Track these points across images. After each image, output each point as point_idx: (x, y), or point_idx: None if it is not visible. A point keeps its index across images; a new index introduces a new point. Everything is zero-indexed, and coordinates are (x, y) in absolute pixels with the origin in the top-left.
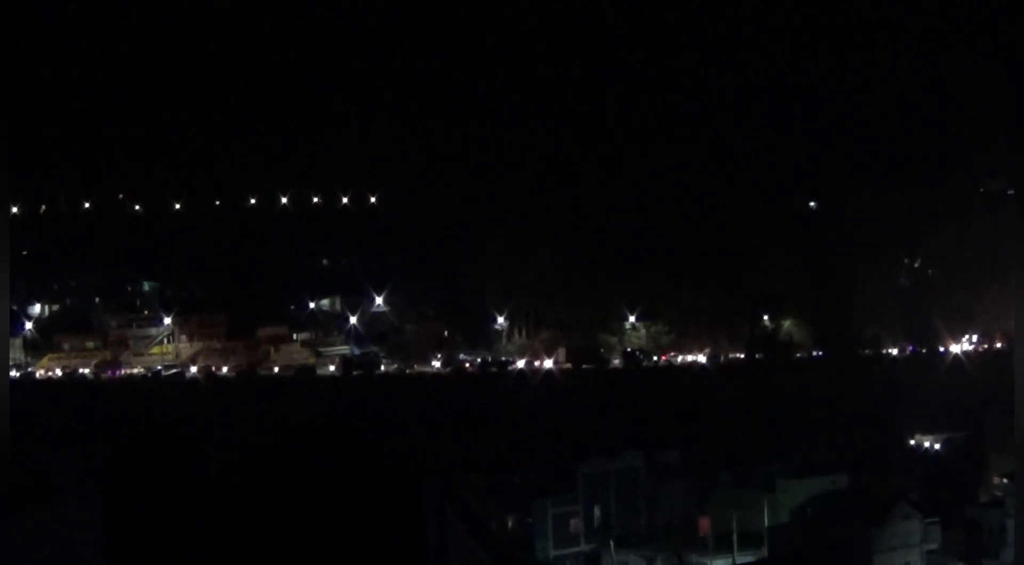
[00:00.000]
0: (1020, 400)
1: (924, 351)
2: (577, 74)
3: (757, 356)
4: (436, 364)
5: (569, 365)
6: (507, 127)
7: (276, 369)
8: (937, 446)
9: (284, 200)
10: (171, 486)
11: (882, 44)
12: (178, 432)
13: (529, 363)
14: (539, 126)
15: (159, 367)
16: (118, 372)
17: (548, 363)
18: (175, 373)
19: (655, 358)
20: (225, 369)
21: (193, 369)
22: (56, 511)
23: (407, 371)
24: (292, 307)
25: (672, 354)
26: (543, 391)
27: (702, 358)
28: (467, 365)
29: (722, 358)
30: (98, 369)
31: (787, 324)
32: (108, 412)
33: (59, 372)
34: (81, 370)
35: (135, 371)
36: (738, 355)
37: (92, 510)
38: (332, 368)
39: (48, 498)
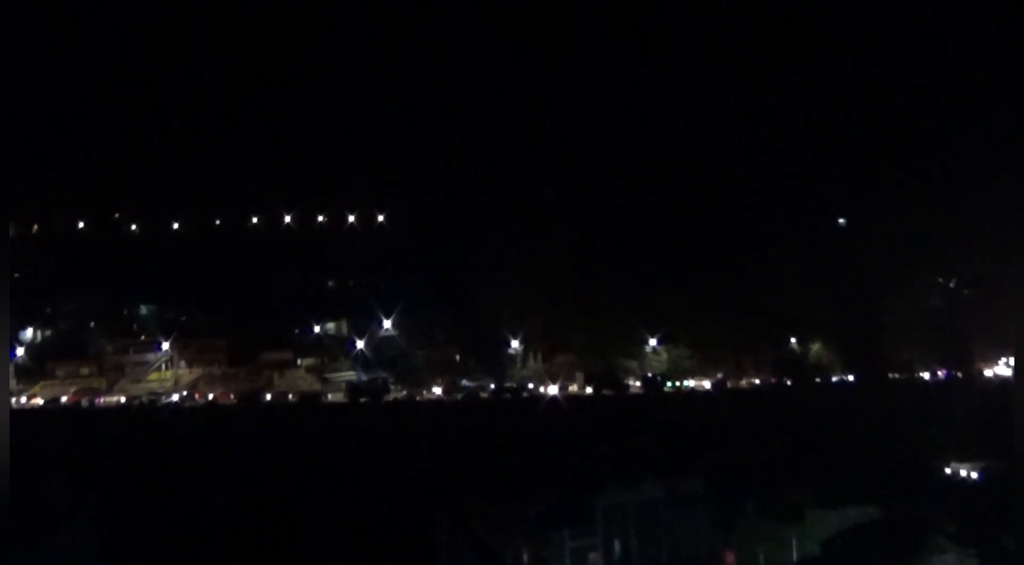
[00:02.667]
0: (1020, 402)
1: (960, 375)
2: (596, 90)
3: (784, 380)
4: (437, 391)
5: (587, 390)
6: (522, 144)
7: (281, 396)
8: (974, 475)
9: (288, 219)
10: (173, 518)
11: (921, 53)
12: (179, 462)
13: (545, 389)
14: (556, 143)
15: (158, 394)
16: (98, 400)
17: (564, 388)
18: (175, 401)
19: (672, 383)
20: (228, 396)
21: (194, 396)
22: (53, 545)
23: (416, 398)
24: (296, 331)
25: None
26: (559, 418)
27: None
28: (472, 392)
29: (746, 382)
30: (78, 396)
31: (815, 347)
32: (107, 442)
33: (63, 399)
34: (63, 399)
35: (117, 400)
36: (753, 381)
37: (91, 544)
38: (338, 394)
39: (45, 531)
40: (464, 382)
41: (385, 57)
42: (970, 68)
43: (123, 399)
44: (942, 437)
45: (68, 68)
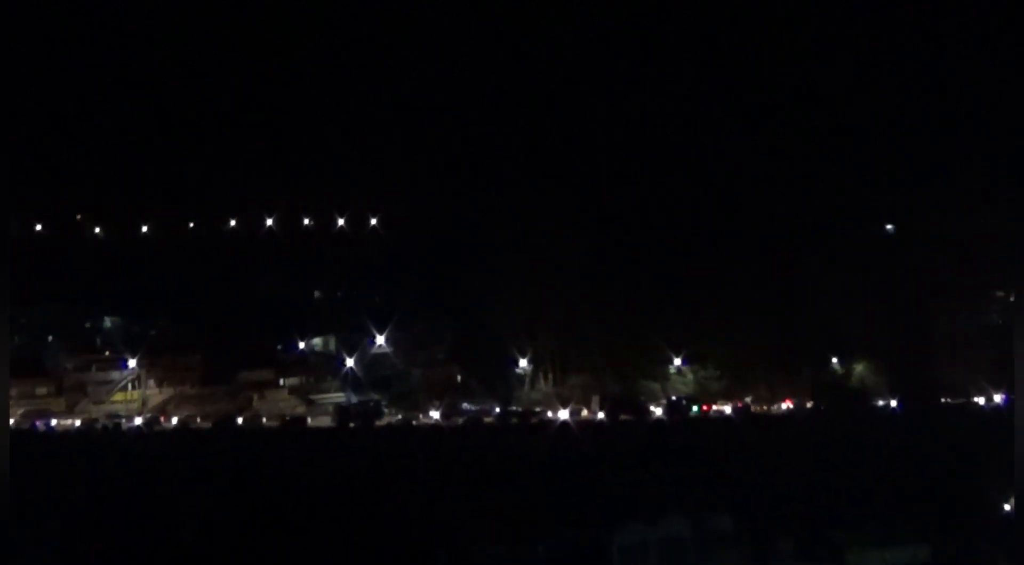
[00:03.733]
0: (1020, 405)
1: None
2: (622, 85)
3: (823, 405)
4: (435, 415)
5: (603, 415)
6: (534, 137)
7: (261, 419)
8: None
9: (270, 222)
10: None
11: (981, 42)
12: (145, 494)
13: (556, 413)
14: (568, 140)
15: (119, 417)
16: (46, 423)
17: (578, 413)
18: (140, 424)
19: (699, 408)
20: (200, 420)
21: (159, 419)
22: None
23: (413, 422)
24: (279, 347)
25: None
26: (572, 446)
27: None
28: (475, 417)
29: (781, 407)
30: (24, 419)
31: (859, 368)
32: (64, 471)
33: (11, 422)
34: (11, 422)
35: (73, 423)
36: (789, 406)
37: None
38: (325, 419)
39: None
40: (465, 405)
41: (379, 44)
42: None
43: (78, 422)
44: (1000, 469)
45: (29, 58)
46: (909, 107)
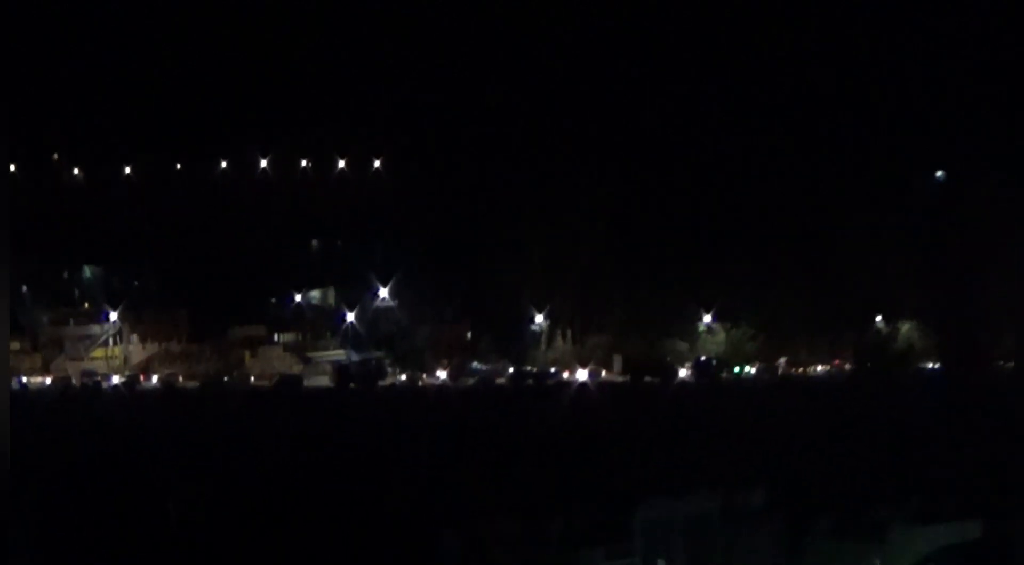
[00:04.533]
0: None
1: None
2: (652, 30)
3: (866, 369)
4: (442, 375)
5: (626, 378)
6: (552, 74)
7: (252, 379)
8: None
9: (264, 164)
10: (116, 530)
11: None
12: (126, 460)
13: (575, 375)
14: (592, 75)
15: (93, 375)
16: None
17: (599, 374)
18: (121, 383)
19: (732, 370)
20: (186, 379)
21: (138, 377)
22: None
23: (419, 384)
24: (273, 301)
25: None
26: (592, 411)
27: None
28: (486, 378)
29: (820, 370)
30: None
31: (905, 329)
32: (35, 435)
33: None
34: None
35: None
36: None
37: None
38: (323, 379)
39: None
40: (475, 365)
41: None
42: None
43: (48, 381)
44: None
45: None
46: (959, 44)
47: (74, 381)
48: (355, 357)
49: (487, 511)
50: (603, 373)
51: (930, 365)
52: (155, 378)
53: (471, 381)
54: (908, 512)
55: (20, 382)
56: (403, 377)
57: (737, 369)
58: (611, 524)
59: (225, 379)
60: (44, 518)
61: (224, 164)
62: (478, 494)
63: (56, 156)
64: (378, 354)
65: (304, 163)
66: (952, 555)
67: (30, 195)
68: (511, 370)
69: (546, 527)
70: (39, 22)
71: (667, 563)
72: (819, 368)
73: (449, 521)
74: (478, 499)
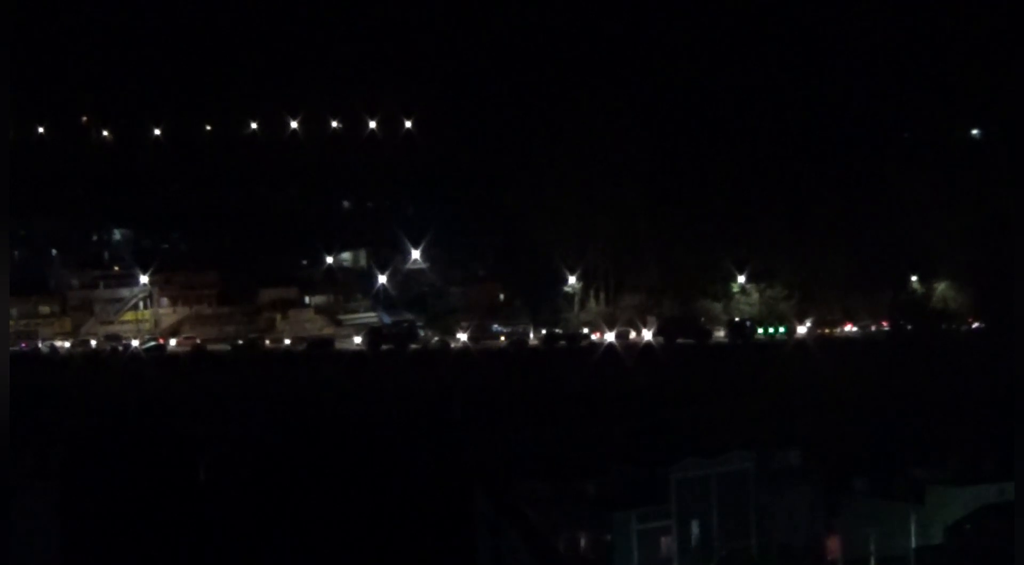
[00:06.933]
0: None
1: None
2: None
3: (902, 328)
4: (463, 337)
5: (660, 339)
6: (587, 30)
7: (285, 342)
8: None
9: (294, 125)
10: (148, 492)
11: None
12: (158, 424)
13: (608, 336)
14: (625, 29)
15: (118, 339)
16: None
17: (629, 336)
18: (153, 347)
19: (766, 330)
20: (218, 343)
21: (174, 342)
22: (3, 522)
23: (451, 345)
24: (304, 263)
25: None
26: (626, 373)
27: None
28: (502, 338)
29: (856, 330)
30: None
31: (941, 287)
32: (69, 398)
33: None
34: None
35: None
36: (865, 329)
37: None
38: (356, 341)
39: None
40: (496, 327)
41: None
42: None
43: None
44: None
45: None
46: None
47: (93, 344)
48: (387, 319)
49: (520, 470)
50: (636, 334)
51: (967, 325)
52: (173, 342)
53: (505, 342)
54: (945, 473)
55: (51, 346)
56: (436, 339)
57: (771, 330)
58: (645, 484)
59: (268, 343)
60: (76, 477)
61: (254, 126)
62: (511, 454)
63: (85, 117)
64: (409, 317)
65: (335, 124)
66: (987, 515)
67: (59, 157)
68: (531, 333)
69: (579, 487)
70: None
71: (701, 524)
72: (850, 328)
73: (483, 479)
74: (511, 459)
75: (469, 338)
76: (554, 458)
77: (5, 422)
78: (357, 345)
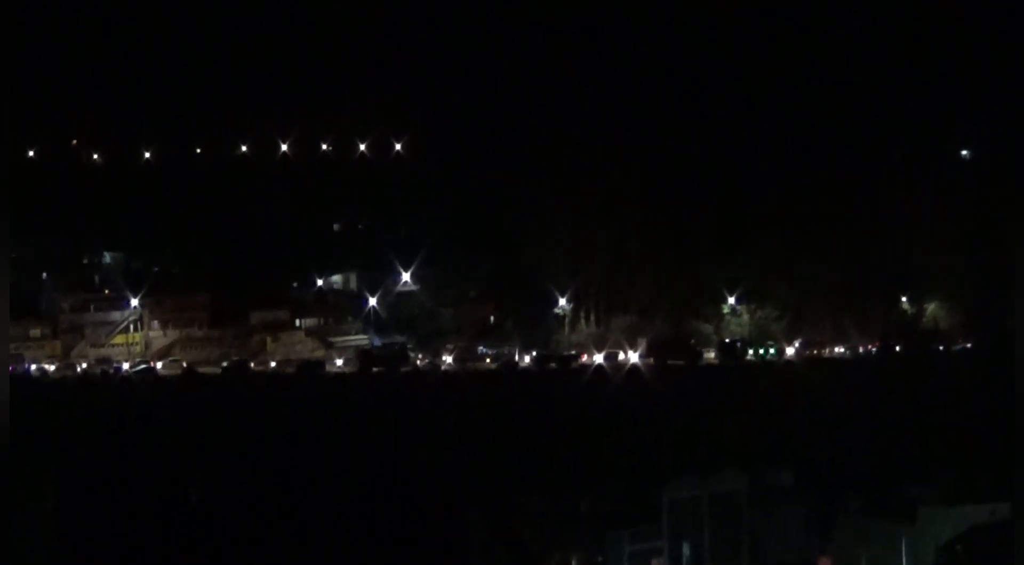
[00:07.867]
0: (1020, 401)
1: None
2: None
3: (893, 348)
4: (448, 359)
5: (650, 360)
6: (580, 50)
7: (274, 364)
8: None
9: (284, 147)
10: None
11: None
12: (149, 447)
13: (599, 357)
14: (618, 50)
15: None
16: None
17: (621, 357)
18: (143, 369)
19: (757, 351)
20: (208, 365)
21: (159, 365)
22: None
23: (442, 367)
24: (295, 285)
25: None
26: (618, 393)
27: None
28: (488, 361)
29: (847, 350)
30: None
31: (932, 307)
32: (60, 420)
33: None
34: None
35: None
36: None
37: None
38: (345, 363)
39: None
40: (481, 349)
41: None
42: None
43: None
44: None
45: None
46: (984, 22)
47: (79, 369)
48: (378, 341)
49: (512, 489)
50: (627, 356)
51: (958, 345)
52: (159, 365)
53: (492, 364)
54: (938, 491)
55: (28, 369)
56: (427, 361)
57: (762, 350)
58: (637, 504)
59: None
60: (70, 499)
61: (244, 148)
62: (503, 473)
63: (75, 140)
64: (400, 339)
65: (325, 145)
66: (980, 535)
67: (50, 180)
68: (517, 355)
69: (572, 506)
70: (62, 8)
71: (693, 545)
72: (840, 349)
73: (475, 498)
74: (504, 478)
75: (454, 360)
76: (546, 476)
77: (5, 426)
78: (347, 368)
